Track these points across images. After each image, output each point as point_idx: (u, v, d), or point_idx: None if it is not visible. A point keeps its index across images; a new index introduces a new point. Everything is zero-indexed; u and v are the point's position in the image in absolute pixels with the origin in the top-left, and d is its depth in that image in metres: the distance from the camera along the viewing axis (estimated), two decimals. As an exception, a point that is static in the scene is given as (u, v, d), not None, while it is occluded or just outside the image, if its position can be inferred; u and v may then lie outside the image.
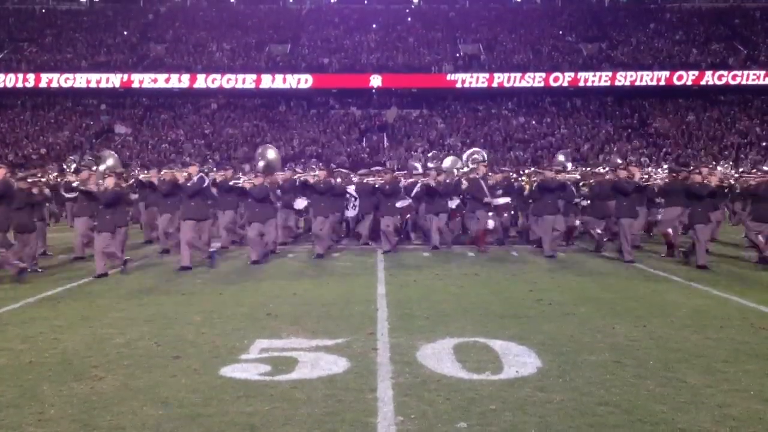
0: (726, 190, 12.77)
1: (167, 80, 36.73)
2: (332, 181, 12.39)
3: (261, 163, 12.02)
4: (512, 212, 14.06)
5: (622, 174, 11.36)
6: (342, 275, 9.77)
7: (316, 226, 11.88)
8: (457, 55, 39.75)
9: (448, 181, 12.81)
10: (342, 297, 7.98)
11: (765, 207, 10.58)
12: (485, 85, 37.03)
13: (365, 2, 45.69)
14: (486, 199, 12.18)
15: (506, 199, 12.65)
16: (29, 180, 10.77)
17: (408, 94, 38.79)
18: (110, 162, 11.19)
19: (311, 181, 12.23)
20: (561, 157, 14.28)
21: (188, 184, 10.48)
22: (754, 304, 7.43)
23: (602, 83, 36.72)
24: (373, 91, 38.05)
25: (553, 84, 36.82)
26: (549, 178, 11.77)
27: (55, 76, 36.59)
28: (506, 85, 36.93)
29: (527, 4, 47.63)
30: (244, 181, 11.56)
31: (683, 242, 12.07)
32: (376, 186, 12.82)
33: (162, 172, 12.53)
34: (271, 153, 12.54)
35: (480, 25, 42.74)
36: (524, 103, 38.47)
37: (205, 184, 10.71)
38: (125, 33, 41.74)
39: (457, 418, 4.04)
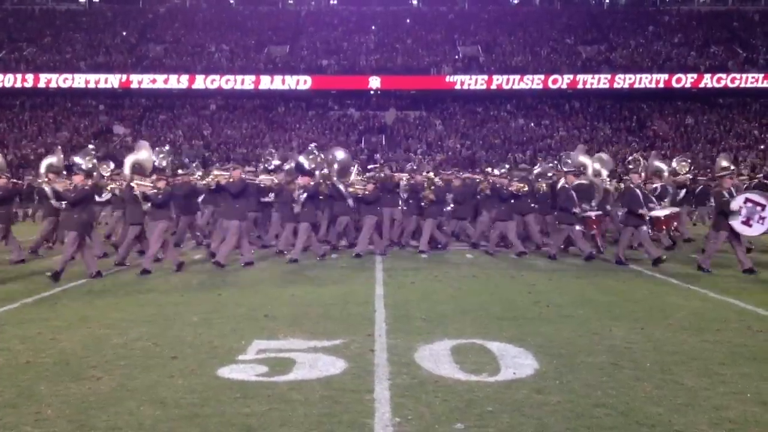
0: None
1: (166, 81, 36.76)
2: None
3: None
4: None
5: None
6: (340, 277, 9.77)
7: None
8: (456, 56, 39.79)
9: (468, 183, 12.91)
10: (340, 298, 7.98)
11: None
12: (484, 86, 37.09)
13: (364, 4, 45.69)
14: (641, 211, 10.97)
15: (597, 212, 11.90)
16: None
17: (407, 95, 38.83)
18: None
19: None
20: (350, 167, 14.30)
21: (159, 196, 10.38)
22: (752, 307, 7.44)
23: (601, 86, 36.83)
24: (372, 92, 38.10)
25: (551, 86, 36.90)
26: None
27: (53, 76, 36.60)
28: (505, 87, 37.01)
29: (526, 6, 47.72)
30: (218, 175, 11.17)
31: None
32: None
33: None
34: (144, 153, 11.10)
35: (479, 27, 42.79)
36: (523, 105, 38.50)
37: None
38: (124, 33, 41.74)
39: (455, 420, 4.04)
